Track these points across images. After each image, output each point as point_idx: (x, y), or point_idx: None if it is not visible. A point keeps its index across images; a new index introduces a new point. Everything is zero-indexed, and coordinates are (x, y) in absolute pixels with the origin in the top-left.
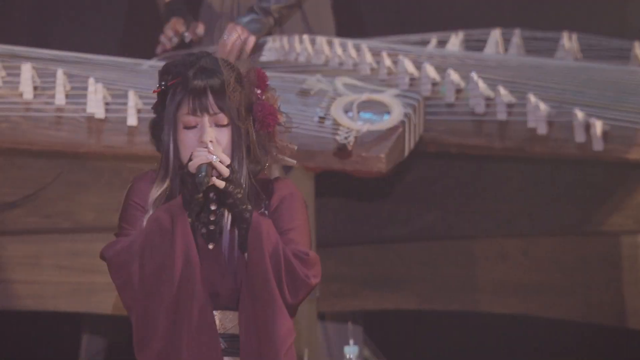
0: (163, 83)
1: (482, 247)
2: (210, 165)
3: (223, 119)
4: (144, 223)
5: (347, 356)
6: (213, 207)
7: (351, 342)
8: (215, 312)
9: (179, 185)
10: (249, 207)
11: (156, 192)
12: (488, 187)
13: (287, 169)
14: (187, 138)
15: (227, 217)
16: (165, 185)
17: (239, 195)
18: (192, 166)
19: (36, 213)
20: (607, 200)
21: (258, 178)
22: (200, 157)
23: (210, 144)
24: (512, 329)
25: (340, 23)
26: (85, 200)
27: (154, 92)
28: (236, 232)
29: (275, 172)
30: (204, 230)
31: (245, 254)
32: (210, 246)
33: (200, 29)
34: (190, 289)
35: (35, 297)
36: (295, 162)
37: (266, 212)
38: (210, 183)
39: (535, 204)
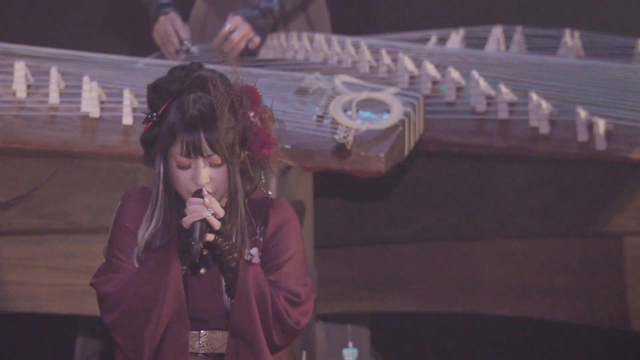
0: (155, 114)
1: (483, 248)
2: (204, 222)
3: (217, 159)
4: (134, 254)
5: (346, 359)
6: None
7: (350, 344)
8: (203, 332)
9: (175, 236)
10: (236, 255)
11: (145, 230)
12: (489, 187)
13: (284, 169)
14: (181, 177)
15: None
16: (154, 222)
17: (227, 247)
18: (186, 223)
19: (30, 214)
20: (611, 200)
21: (253, 198)
22: (193, 214)
23: (204, 188)
24: (513, 331)
25: (338, 21)
26: (80, 200)
27: (146, 128)
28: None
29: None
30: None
31: (233, 301)
32: (202, 271)
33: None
34: (179, 345)
35: (29, 299)
36: (290, 162)
37: (261, 239)
38: (206, 241)
39: (537, 204)
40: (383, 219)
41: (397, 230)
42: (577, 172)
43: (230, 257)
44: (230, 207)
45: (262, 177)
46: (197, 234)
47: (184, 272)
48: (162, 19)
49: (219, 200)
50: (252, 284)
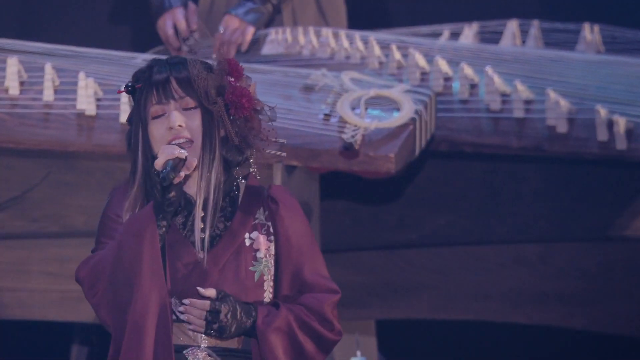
0: (129, 84)
1: (498, 253)
2: (178, 160)
3: (190, 101)
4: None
5: None
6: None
7: (358, 353)
8: None
9: (150, 188)
10: (248, 324)
11: (128, 202)
12: (504, 188)
13: (290, 169)
14: (156, 128)
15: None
16: (135, 191)
17: (233, 328)
18: (158, 164)
19: (23, 216)
20: (631, 203)
21: (249, 185)
22: (165, 153)
23: (179, 130)
24: (529, 340)
25: (351, 13)
26: (75, 202)
27: (119, 92)
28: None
29: (278, 174)
30: (192, 238)
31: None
32: (201, 255)
33: (194, 24)
34: (153, 308)
35: (22, 306)
36: (285, 154)
37: (269, 223)
38: (178, 179)
39: (554, 207)
40: (393, 222)
41: (408, 234)
42: (596, 173)
43: (243, 330)
44: (203, 159)
45: (252, 165)
46: (168, 167)
47: (163, 229)
48: (165, 14)
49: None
50: (279, 347)
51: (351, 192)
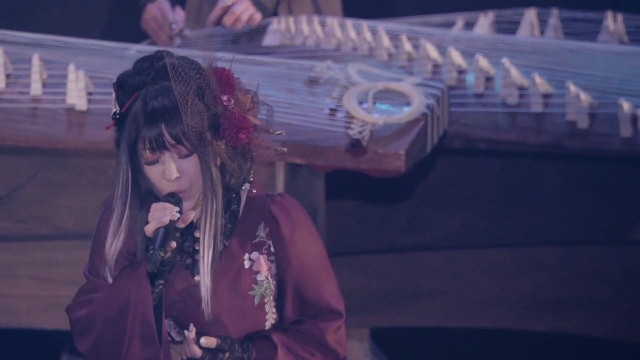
0: (117, 113)
1: (514, 256)
2: (170, 224)
3: (184, 149)
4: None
5: None
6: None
7: None
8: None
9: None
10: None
11: (113, 239)
12: (521, 188)
13: (293, 168)
14: (152, 174)
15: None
16: (123, 231)
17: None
18: (149, 231)
19: (9, 217)
20: None
21: (251, 196)
22: (156, 219)
23: (175, 182)
24: (548, 348)
25: (353, 2)
26: (65, 202)
27: (107, 128)
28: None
29: (280, 173)
30: (188, 261)
31: None
32: (197, 278)
33: (181, 15)
34: None
35: (8, 313)
36: (285, 150)
37: (270, 242)
38: (170, 248)
39: (574, 207)
40: (402, 224)
41: (419, 236)
42: (619, 172)
43: None
44: (205, 205)
45: (253, 171)
46: (157, 241)
47: (159, 287)
48: (149, 6)
49: (197, 199)
50: None
51: (358, 192)
